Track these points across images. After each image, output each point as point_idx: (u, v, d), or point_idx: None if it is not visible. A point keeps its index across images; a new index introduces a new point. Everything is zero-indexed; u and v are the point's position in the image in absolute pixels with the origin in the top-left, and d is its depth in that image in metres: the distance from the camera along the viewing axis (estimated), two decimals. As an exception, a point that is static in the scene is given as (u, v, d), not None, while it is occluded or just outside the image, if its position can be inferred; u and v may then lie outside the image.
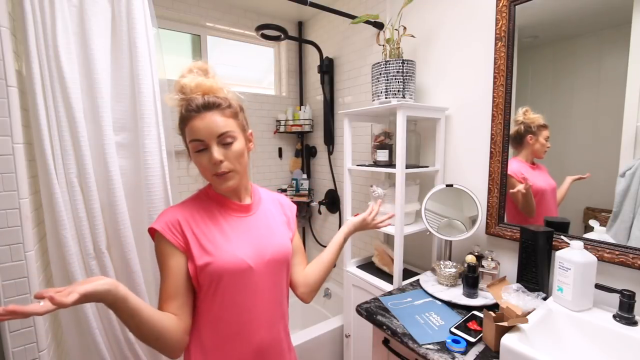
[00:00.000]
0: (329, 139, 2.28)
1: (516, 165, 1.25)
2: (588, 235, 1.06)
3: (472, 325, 1.01)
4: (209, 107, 0.72)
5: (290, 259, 0.87)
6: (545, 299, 0.99)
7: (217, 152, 0.71)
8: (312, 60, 2.48)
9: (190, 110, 0.72)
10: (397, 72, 1.39)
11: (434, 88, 1.55)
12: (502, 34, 1.21)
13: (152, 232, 0.74)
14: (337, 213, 2.31)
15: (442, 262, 1.32)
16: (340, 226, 2.28)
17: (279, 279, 0.83)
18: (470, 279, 1.15)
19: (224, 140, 0.73)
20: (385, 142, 1.54)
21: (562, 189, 1.14)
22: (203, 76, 0.76)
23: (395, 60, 1.39)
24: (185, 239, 0.72)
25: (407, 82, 1.41)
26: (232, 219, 0.80)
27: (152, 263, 1.18)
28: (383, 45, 1.48)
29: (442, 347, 0.92)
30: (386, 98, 1.42)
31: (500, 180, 1.27)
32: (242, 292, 0.75)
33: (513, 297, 0.94)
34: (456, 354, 0.88)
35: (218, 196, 0.81)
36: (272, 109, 2.49)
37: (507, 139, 1.24)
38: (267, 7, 2.30)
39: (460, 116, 1.44)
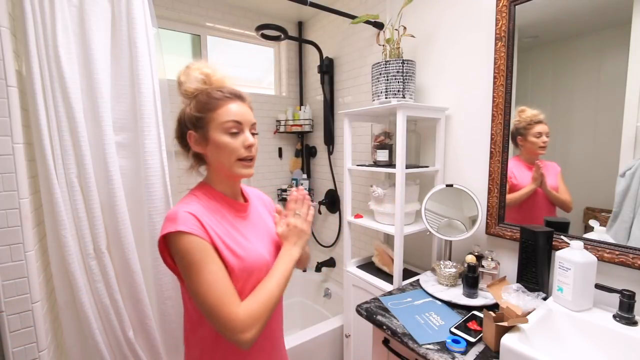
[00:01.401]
0: (329, 139, 2.28)
1: (511, 165, 1.26)
2: (588, 235, 1.06)
3: (472, 325, 1.01)
4: (241, 97, 0.77)
5: None
6: (545, 299, 0.99)
7: (251, 137, 0.75)
8: (312, 60, 2.48)
9: (225, 93, 0.74)
10: (397, 72, 1.39)
11: (434, 88, 1.55)
12: (502, 34, 1.21)
13: (168, 237, 0.67)
14: (337, 213, 2.31)
15: (442, 262, 1.32)
16: (340, 226, 2.29)
17: None
18: (470, 279, 1.14)
19: (253, 129, 0.77)
20: (385, 142, 1.54)
21: (561, 189, 1.14)
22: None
23: (395, 60, 1.39)
24: (210, 238, 0.69)
25: (407, 82, 1.41)
26: (238, 218, 0.79)
27: (152, 263, 1.18)
28: (383, 45, 1.48)
29: (442, 347, 0.92)
30: (386, 98, 1.42)
31: (500, 180, 1.27)
32: None
33: (513, 297, 0.94)
34: (456, 354, 0.88)
35: (221, 195, 0.79)
36: (272, 109, 2.49)
37: (507, 139, 1.24)
38: (267, 7, 2.30)
39: (460, 116, 1.44)
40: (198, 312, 0.73)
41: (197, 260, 0.65)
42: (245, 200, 0.86)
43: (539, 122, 1.18)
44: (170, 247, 0.68)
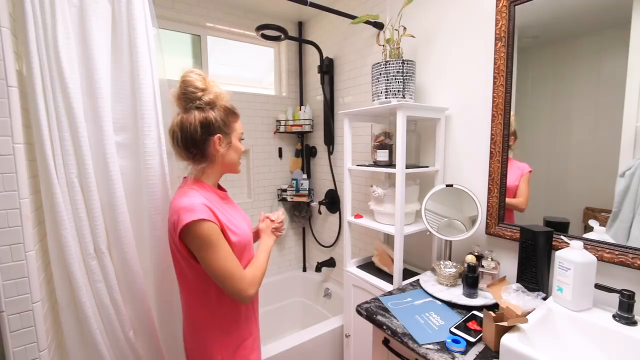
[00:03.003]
0: (329, 139, 2.28)
1: None
2: (588, 235, 1.06)
3: (472, 325, 1.01)
4: None
5: None
6: (545, 298, 0.99)
7: None
8: (312, 60, 2.48)
9: (236, 110, 0.98)
10: (397, 72, 1.39)
11: (434, 88, 1.55)
12: (502, 34, 1.21)
13: (188, 225, 0.82)
14: (337, 213, 2.31)
15: (442, 262, 1.32)
16: (340, 226, 2.29)
17: None
18: (470, 279, 1.15)
19: None
20: (385, 142, 1.55)
21: (521, 190, 1.22)
22: None
23: (395, 60, 1.39)
24: (220, 222, 0.87)
25: (407, 82, 1.41)
26: (225, 204, 0.98)
27: (151, 263, 1.18)
28: (383, 46, 1.48)
29: (442, 347, 0.92)
30: (386, 98, 1.42)
31: (500, 180, 1.27)
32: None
33: (513, 297, 0.94)
34: (456, 354, 0.89)
35: (212, 187, 0.97)
36: (272, 109, 2.49)
37: (507, 139, 1.24)
38: (267, 7, 2.30)
39: (460, 116, 1.44)
40: (203, 283, 0.91)
41: (214, 242, 0.84)
42: (222, 189, 1.06)
43: None
44: (187, 233, 0.83)
